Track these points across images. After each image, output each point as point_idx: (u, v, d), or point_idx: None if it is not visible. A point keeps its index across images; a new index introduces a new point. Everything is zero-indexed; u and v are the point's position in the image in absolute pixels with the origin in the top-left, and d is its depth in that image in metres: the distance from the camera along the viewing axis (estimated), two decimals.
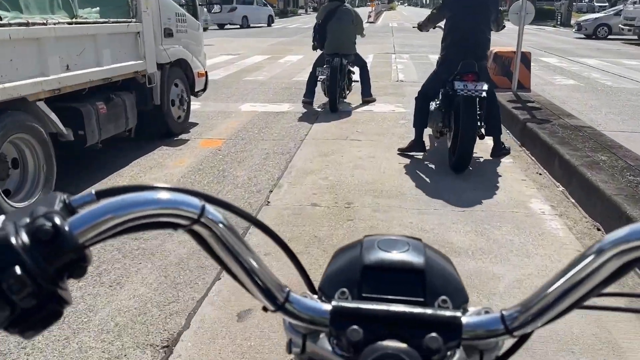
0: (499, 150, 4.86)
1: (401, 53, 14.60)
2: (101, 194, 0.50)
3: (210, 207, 0.49)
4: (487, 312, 0.54)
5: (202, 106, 7.28)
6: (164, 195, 0.48)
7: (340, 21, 6.76)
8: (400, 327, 0.50)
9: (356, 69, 7.43)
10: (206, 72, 6.27)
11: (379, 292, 0.54)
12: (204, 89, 6.29)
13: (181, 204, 0.48)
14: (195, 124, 6.19)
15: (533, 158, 4.84)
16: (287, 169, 4.53)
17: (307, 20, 40.03)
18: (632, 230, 0.46)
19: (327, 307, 0.52)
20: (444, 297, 0.54)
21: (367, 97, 7.40)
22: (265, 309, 0.54)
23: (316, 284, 0.61)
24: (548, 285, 0.50)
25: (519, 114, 5.68)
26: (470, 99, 4.31)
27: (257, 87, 8.98)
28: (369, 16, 38.88)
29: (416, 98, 4.99)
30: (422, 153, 4.97)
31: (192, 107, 6.61)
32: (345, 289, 0.55)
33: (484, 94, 4.32)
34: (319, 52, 7.12)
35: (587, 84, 9.25)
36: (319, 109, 7.13)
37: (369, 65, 7.31)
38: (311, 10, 43.92)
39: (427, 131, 5.03)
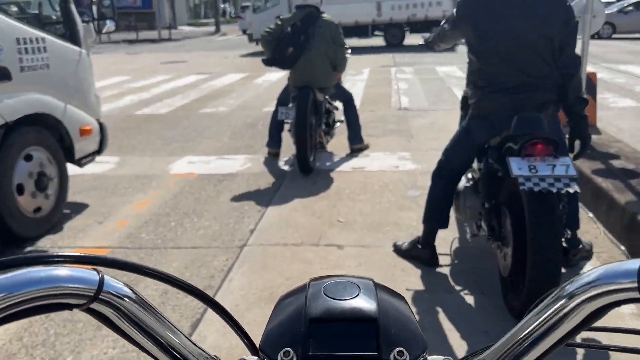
0: (576, 251, 2.62)
1: (403, 65, 12.32)
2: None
3: (110, 279, 0.46)
4: None
5: (117, 164, 5.00)
6: (45, 272, 0.42)
7: (313, 40, 4.44)
8: None
9: (339, 104, 5.15)
10: (101, 124, 3.99)
11: (327, 348, 0.48)
12: (99, 151, 4.00)
13: (70, 280, 0.43)
14: (82, 207, 3.90)
15: None
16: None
17: None
18: (606, 271, 0.41)
19: None
20: (400, 348, 0.48)
21: (357, 145, 5.11)
22: None
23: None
24: (518, 331, 0.46)
25: (609, 186, 3.37)
26: (547, 197, 2.03)
27: (212, 125, 6.70)
28: None
29: (433, 176, 2.71)
30: (431, 267, 2.73)
31: (101, 168, 4.47)
32: (289, 349, 0.48)
33: (575, 186, 2.04)
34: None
35: None
36: (287, 167, 4.84)
37: (362, 85, 5.00)
38: None
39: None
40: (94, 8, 3.81)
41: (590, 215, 3.44)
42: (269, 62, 4.55)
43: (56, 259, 0.44)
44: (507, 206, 2.28)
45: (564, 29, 2.34)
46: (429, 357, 0.51)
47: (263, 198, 4.01)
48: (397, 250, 2.95)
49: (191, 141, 5.86)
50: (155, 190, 4.28)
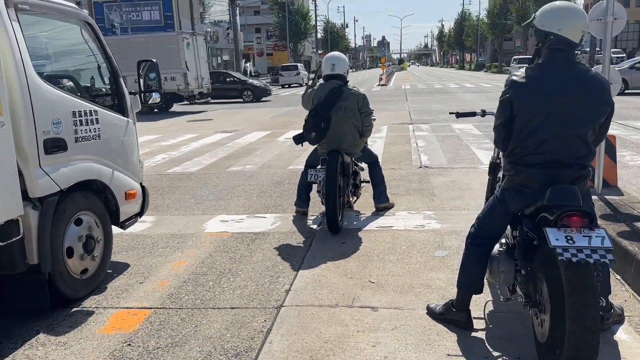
0: (608, 316, 2.67)
1: (419, 123, 12.62)
2: None
3: None
4: None
5: (153, 224, 5.21)
6: None
7: (341, 109, 4.71)
8: None
9: (365, 166, 5.35)
10: (144, 187, 4.22)
11: None
12: (141, 213, 4.21)
13: None
14: (123, 266, 4.07)
15: None
16: None
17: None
18: None
19: None
20: None
21: (383, 204, 5.27)
22: None
23: None
24: None
25: (636, 249, 3.45)
26: (585, 267, 2.14)
27: (241, 182, 6.94)
28: (380, 79, 37.66)
29: (468, 243, 2.83)
30: (466, 331, 2.80)
31: (138, 227, 4.72)
32: None
33: (610, 258, 2.15)
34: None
35: None
36: (316, 225, 4.99)
37: (381, 143, 5.17)
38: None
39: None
40: (141, 81, 4.12)
41: (618, 277, 3.51)
42: (300, 140, 4.82)
43: None
44: (544, 273, 2.39)
45: (606, 120, 2.54)
46: None
47: (295, 257, 4.15)
48: (431, 313, 3.04)
49: (222, 200, 6.08)
50: (191, 249, 4.45)
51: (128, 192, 3.95)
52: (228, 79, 24.77)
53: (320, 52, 78.00)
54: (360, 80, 44.95)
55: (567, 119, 2.44)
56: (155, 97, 4.19)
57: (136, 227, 4.76)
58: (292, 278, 3.75)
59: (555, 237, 2.16)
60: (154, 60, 4.16)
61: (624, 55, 36.76)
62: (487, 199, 3.63)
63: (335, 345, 2.81)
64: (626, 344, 2.71)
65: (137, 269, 4.03)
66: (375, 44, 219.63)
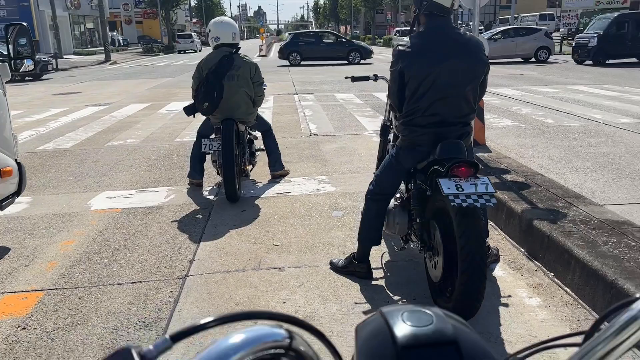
0: (488, 256, 3.04)
1: (304, 93, 12.79)
2: (176, 338, 0.50)
3: (297, 336, 0.52)
4: None
5: (30, 204, 4.79)
6: (249, 333, 0.50)
7: (234, 78, 4.63)
8: None
9: (258, 133, 5.37)
10: (19, 164, 3.85)
11: None
12: (18, 192, 3.85)
13: (274, 335, 0.51)
14: (3, 251, 3.73)
15: (550, 274, 3.03)
16: None
17: (195, 56, 37.59)
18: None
19: None
20: None
21: (278, 171, 5.35)
22: None
23: None
24: (597, 339, 0.55)
25: (506, 197, 3.91)
26: (474, 211, 2.42)
27: (124, 157, 6.59)
28: (260, 49, 37.31)
29: (367, 199, 3.02)
30: (367, 280, 3.03)
31: (13, 209, 4.37)
32: None
33: (494, 201, 2.45)
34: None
35: (527, 123, 7.95)
36: (213, 196, 4.94)
37: (269, 113, 5.16)
38: (200, 45, 41.27)
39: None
40: (10, 47, 3.71)
41: (492, 223, 3.96)
42: (191, 111, 4.69)
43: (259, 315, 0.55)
44: (436, 220, 2.64)
45: (484, 79, 2.80)
46: None
47: (195, 228, 4.09)
48: (334, 267, 3.21)
49: (105, 176, 5.74)
50: (79, 228, 4.18)
51: (3, 169, 3.59)
52: (331, 39, 23.64)
53: (194, 20, 74.87)
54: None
55: (451, 82, 2.67)
56: (28, 65, 3.81)
57: (11, 209, 4.36)
58: (194, 248, 3.71)
59: (447, 186, 2.40)
60: (24, 24, 3.76)
61: (482, 27, 40.09)
62: (379, 158, 3.87)
63: (246, 306, 2.87)
64: (503, 279, 3.10)
65: (20, 252, 3.72)
66: (252, 14, 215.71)
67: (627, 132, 6.99)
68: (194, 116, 4.91)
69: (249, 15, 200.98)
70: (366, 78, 3.74)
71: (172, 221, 4.28)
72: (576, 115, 8.42)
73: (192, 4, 71.78)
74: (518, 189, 4.10)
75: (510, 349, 2.42)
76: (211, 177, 5.40)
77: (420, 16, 2.79)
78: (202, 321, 0.52)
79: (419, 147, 2.75)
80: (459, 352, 0.56)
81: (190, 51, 40.34)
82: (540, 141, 6.69)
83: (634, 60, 18.89)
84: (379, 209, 2.96)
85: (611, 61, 18.80)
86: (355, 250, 3.12)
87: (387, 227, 3.04)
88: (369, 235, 2.99)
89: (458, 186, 2.40)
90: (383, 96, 11.65)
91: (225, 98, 4.56)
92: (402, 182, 3.04)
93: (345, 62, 22.86)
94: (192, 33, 45.38)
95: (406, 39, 2.76)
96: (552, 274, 3.11)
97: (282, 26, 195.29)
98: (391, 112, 3.59)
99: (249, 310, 0.55)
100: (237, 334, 0.51)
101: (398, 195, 3.11)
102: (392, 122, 3.59)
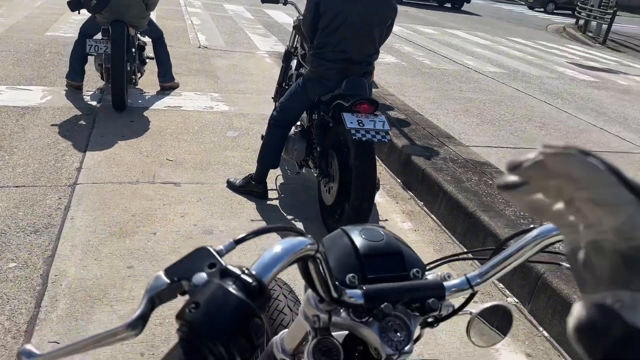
0: None
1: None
2: (239, 241, 0.63)
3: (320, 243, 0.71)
4: (449, 276, 0.79)
5: None
6: (300, 238, 0.64)
7: None
8: (411, 297, 0.74)
9: (148, 40, 5.08)
10: None
11: (376, 272, 0.75)
12: None
13: (305, 243, 0.64)
14: None
15: (424, 208, 3.50)
16: (47, 287, 2.30)
17: None
18: (545, 229, 0.78)
19: (359, 292, 0.72)
20: (416, 268, 0.77)
21: (168, 83, 5.17)
22: (321, 299, 0.72)
23: None
24: (495, 258, 0.81)
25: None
26: (370, 145, 2.70)
27: None
28: None
29: (271, 124, 3.15)
30: (262, 200, 3.25)
31: None
32: (353, 274, 0.74)
33: (389, 137, 2.74)
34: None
35: (409, 62, 8.43)
36: (95, 102, 4.67)
37: (153, 16, 4.82)
38: None
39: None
40: None
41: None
42: (77, 7, 4.27)
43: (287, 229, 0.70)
44: (335, 150, 2.87)
45: (390, 24, 2.97)
46: (426, 273, 0.80)
47: (79, 135, 3.90)
48: (231, 186, 3.34)
49: None
50: None
51: None
52: None
53: None
54: None
55: (362, 21, 2.82)
56: None
57: None
58: (80, 156, 3.57)
59: (350, 121, 2.61)
60: None
61: None
62: (279, 83, 3.96)
63: (143, 217, 2.92)
64: (382, 205, 3.49)
65: None
66: None
67: (493, 81, 7.79)
68: (79, 12, 4.50)
69: None
70: (276, 1, 3.73)
71: (52, 125, 4.02)
72: (451, 60, 9.11)
73: None
74: (400, 125, 4.49)
75: None
76: (92, 80, 5.07)
77: None
78: (255, 230, 0.66)
79: (326, 80, 2.91)
80: (402, 260, 0.77)
81: None
82: (419, 81, 7.20)
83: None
84: (281, 135, 3.11)
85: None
86: (253, 172, 3.27)
87: (286, 152, 3.22)
88: (269, 158, 3.15)
89: (359, 121, 2.63)
90: (275, 14, 11.43)
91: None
92: (305, 111, 3.20)
93: None
94: None
95: None
96: (422, 203, 3.57)
97: None
98: (296, 39, 3.66)
99: (282, 224, 0.74)
100: (280, 244, 0.63)
101: (299, 124, 3.27)
102: (296, 49, 3.67)
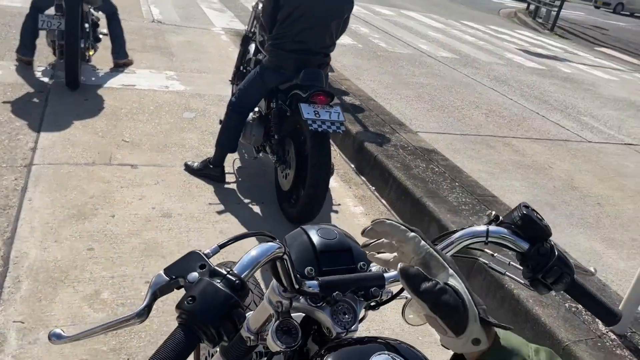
0: None
1: None
2: (222, 245, 0.80)
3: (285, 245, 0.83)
4: (386, 270, 0.92)
5: None
6: (271, 243, 0.77)
7: None
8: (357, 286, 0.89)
9: (102, 16, 4.99)
10: None
11: (330, 265, 0.90)
12: None
13: (275, 247, 0.77)
14: None
15: (377, 193, 3.70)
16: (8, 268, 2.35)
17: None
18: (467, 232, 0.96)
19: (316, 283, 0.85)
20: (362, 262, 0.92)
21: (122, 59, 5.11)
22: (285, 289, 0.85)
23: None
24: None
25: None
26: (325, 135, 2.84)
27: None
28: None
29: (229, 110, 3.24)
30: (220, 183, 3.36)
31: None
32: (311, 267, 0.88)
33: (343, 128, 2.89)
34: None
35: (364, 44, 8.56)
36: (47, 78, 4.58)
37: None
38: None
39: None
40: None
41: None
42: None
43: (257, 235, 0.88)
44: (292, 138, 3.00)
45: (347, 17, 3.09)
46: (371, 266, 0.95)
47: (32, 114, 3.85)
48: (189, 169, 3.42)
49: None
50: None
51: None
52: None
53: None
54: None
55: (320, 14, 2.93)
56: None
57: None
58: (35, 135, 3.54)
59: (306, 112, 2.74)
60: None
61: None
62: (237, 67, 4.02)
63: (101, 200, 2.97)
64: (336, 190, 3.66)
65: None
66: None
67: (444, 66, 8.04)
68: None
69: None
70: None
71: (4, 102, 3.95)
72: (406, 43, 9.30)
73: None
74: (354, 111, 4.64)
75: None
76: (42, 55, 4.94)
77: None
78: (235, 236, 0.83)
79: (284, 69, 3.01)
80: (351, 255, 0.93)
81: None
82: (374, 64, 7.36)
83: None
84: (239, 121, 3.20)
85: None
86: (211, 155, 3.36)
87: (244, 137, 3.32)
88: (227, 142, 3.24)
89: (316, 112, 2.76)
90: None
91: None
92: (263, 98, 3.30)
93: None
94: None
95: None
96: (374, 187, 3.76)
97: None
98: (254, 24, 3.72)
99: (257, 231, 0.89)
100: (255, 249, 0.76)
101: (257, 110, 3.37)
102: (254, 33, 3.74)
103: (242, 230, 2.98)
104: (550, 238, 0.96)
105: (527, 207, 0.97)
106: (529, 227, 0.94)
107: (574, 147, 5.36)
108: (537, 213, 0.97)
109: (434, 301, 0.61)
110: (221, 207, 3.12)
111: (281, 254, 0.78)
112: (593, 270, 1.07)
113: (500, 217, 0.99)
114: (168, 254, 2.61)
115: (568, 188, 4.24)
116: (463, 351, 0.64)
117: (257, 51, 3.57)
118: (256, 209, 3.21)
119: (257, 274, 2.18)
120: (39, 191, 2.93)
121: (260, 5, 3.26)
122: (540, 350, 0.65)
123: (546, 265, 0.91)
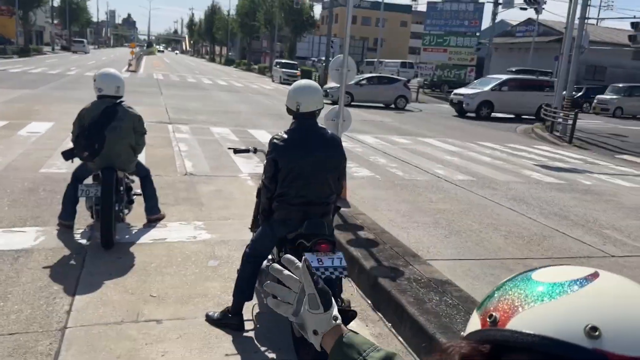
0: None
1: (178, 123, 12.88)
2: None
3: None
4: None
5: None
6: None
7: (116, 130, 4.81)
8: None
9: (136, 177, 5.55)
10: None
11: None
12: None
13: None
14: None
15: (399, 336, 3.75)
16: None
17: (54, 63, 35.12)
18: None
19: None
20: None
21: (154, 215, 5.56)
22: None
23: None
24: None
25: (359, 254, 4.62)
26: (330, 281, 3.03)
27: None
28: (130, 64, 35.96)
29: (244, 260, 3.49)
30: (239, 332, 3.49)
31: None
32: None
33: (345, 273, 3.08)
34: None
35: (382, 175, 9.00)
36: (85, 240, 5.00)
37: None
38: (59, 48, 38.48)
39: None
40: None
41: (348, 277, 4.63)
42: (70, 156, 4.80)
43: None
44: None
45: (343, 167, 3.47)
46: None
47: (69, 276, 4.19)
48: (210, 320, 3.60)
49: None
50: None
51: None
52: None
53: (55, 22, 69.53)
54: (105, 62, 41.98)
55: (316, 171, 3.31)
56: None
57: None
58: (70, 298, 3.83)
59: (311, 260, 2.97)
60: None
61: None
62: (254, 216, 4.35)
63: (127, 359, 3.14)
64: (353, 329, 3.73)
65: None
66: (120, 22, 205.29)
67: (461, 189, 8.31)
68: (72, 161, 4.98)
69: (117, 22, 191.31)
70: (247, 151, 4.25)
71: (44, 267, 4.32)
72: (422, 170, 9.71)
73: (55, 4, 66.73)
74: (369, 246, 4.84)
75: None
76: (82, 218, 5.44)
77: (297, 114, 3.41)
78: None
79: (290, 220, 3.32)
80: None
81: (81, 52, 56.43)
82: (391, 193, 7.70)
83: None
84: (254, 270, 3.45)
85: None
86: (230, 304, 3.55)
87: (260, 283, 3.53)
88: (243, 292, 3.45)
89: (319, 259, 2.99)
90: (258, 134, 12.22)
91: (107, 148, 4.73)
92: (275, 247, 3.56)
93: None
94: (84, 40, 63.81)
95: (281, 133, 3.37)
96: (390, 324, 3.83)
97: (153, 37, 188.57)
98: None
99: None
100: None
101: (271, 257, 3.62)
102: None
103: None
104: None
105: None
106: None
107: (596, 264, 5.33)
108: None
109: None
110: (238, 358, 3.23)
111: None
112: None
113: None
114: None
115: None
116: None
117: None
118: (272, 355, 3.31)
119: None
120: (70, 355, 3.13)
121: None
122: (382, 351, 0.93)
123: None
